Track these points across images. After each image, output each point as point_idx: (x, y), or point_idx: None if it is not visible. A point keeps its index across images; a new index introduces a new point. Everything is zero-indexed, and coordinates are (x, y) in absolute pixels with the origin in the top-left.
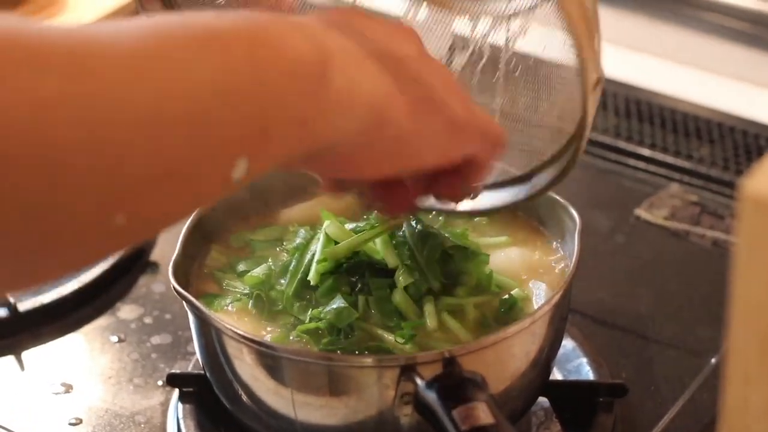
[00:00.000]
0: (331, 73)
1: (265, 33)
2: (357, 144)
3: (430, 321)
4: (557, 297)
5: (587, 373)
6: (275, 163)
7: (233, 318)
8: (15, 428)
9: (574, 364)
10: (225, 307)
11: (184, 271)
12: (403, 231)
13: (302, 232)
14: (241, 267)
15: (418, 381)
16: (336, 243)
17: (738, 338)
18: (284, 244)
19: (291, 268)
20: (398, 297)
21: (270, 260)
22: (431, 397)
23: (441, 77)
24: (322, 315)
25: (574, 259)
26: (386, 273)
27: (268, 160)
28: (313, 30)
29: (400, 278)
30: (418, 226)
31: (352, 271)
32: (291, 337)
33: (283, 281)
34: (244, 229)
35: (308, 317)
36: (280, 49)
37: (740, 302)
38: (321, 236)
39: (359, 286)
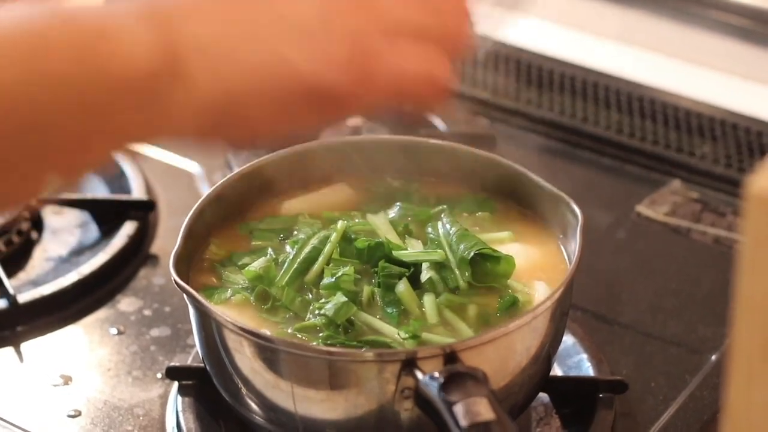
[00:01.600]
0: (175, 79)
1: (97, 36)
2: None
3: (431, 316)
4: (559, 292)
5: (587, 369)
6: (107, 154)
7: (234, 311)
8: (14, 420)
9: (575, 360)
10: (226, 300)
11: (185, 263)
12: (437, 230)
13: (306, 227)
14: (242, 260)
15: (419, 375)
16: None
17: (742, 336)
18: (290, 234)
19: (288, 260)
20: (402, 288)
21: (271, 252)
22: (432, 391)
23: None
24: (322, 311)
25: (576, 255)
26: (401, 264)
27: (93, 159)
28: (167, 20)
29: (425, 271)
30: (453, 228)
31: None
32: (289, 330)
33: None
34: (244, 221)
35: (308, 313)
36: (111, 59)
37: (744, 300)
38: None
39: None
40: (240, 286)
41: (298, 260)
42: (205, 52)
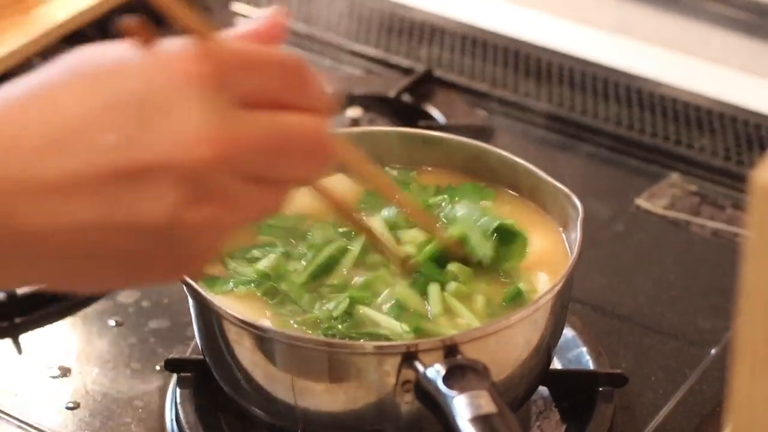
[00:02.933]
0: None
1: None
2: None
3: (434, 306)
4: (560, 285)
5: (587, 362)
6: None
7: (237, 302)
8: (12, 412)
9: (574, 353)
10: (229, 291)
11: None
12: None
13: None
14: (251, 252)
15: (420, 368)
16: None
17: (745, 330)
18: (298, 232)
19: (305, 264)
20: (399, 289)
21: (280, 247)
22: (433, 384)
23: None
24: (325, 306)
25: (576, 248)
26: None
27: None
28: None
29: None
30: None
31: None
32: (292, 322)
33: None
34: None
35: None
36: None
37: (749, 294)
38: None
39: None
40: (247, 279)
41: (316, 264)
42: (34, 236)
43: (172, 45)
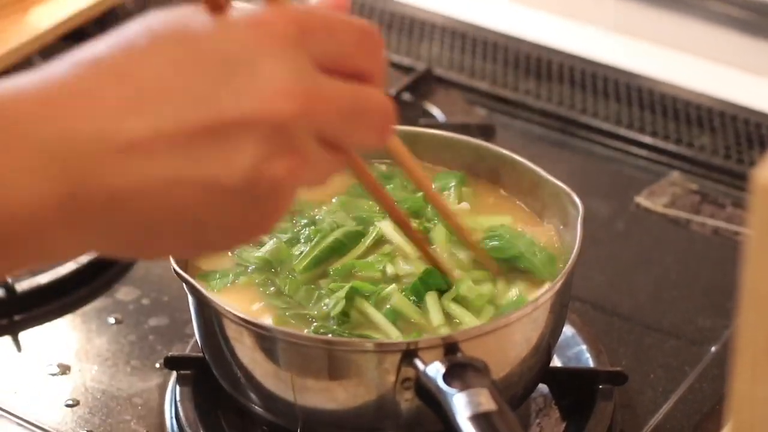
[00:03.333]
0: (71, 230)
1: None
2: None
3: (435, 317)
4: (559, 283)
5: (587, 360)
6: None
7: (235, 292)
8: (11, 409)
9: (574, 351)
10: (226, 284)
11: None
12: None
13: (329, 216)
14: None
15: (420, 366)
16: None
17: (746, 329)
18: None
19: (309, 247)
20: (396, 300)
21: (281, 235)
22: (433, 382)
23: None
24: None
25: (576, 246)
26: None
27: None
28: (73, 167)
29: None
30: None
31: None
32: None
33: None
34: None
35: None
36: None
37: (750, 293)
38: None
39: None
40: (249, 266)
41: (319, 249)
42: (111, 198)
43: (246, 9)
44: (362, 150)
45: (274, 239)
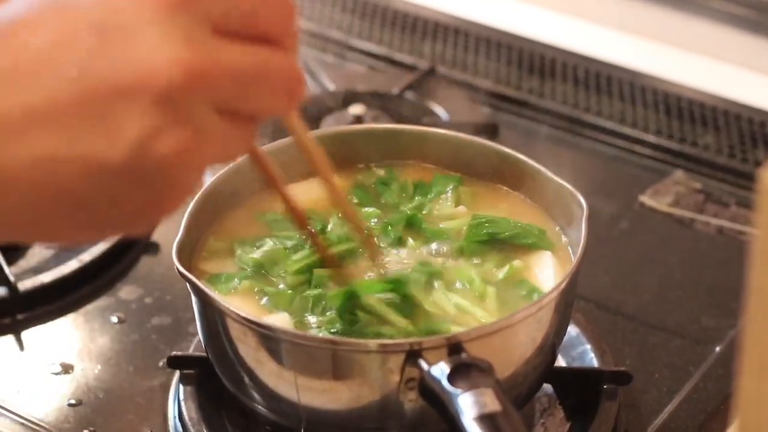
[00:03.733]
0: None
1: None
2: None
3: (448, 307)
4: (564, 283)
5: (591, 360)
6: None
7: (237, 298)
8: (14, 409)
9: (578, 350)
10: (230, 290)
11: (187, 252)
12: None
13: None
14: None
15: (424, 366)
16: None
17: (753, 329)
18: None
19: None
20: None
21: (274, 241)
22: (437, 382)
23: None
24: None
25: (581, 246)
26: None
27: None
28: None
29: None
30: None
31: None
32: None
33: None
34: (245, 208)
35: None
36: None
37: (756, 292)
38: None
39: None
40: (248, 269)
41: (315, 258)
42: None
43: None
44: (267, 119)
45: (272, 242)
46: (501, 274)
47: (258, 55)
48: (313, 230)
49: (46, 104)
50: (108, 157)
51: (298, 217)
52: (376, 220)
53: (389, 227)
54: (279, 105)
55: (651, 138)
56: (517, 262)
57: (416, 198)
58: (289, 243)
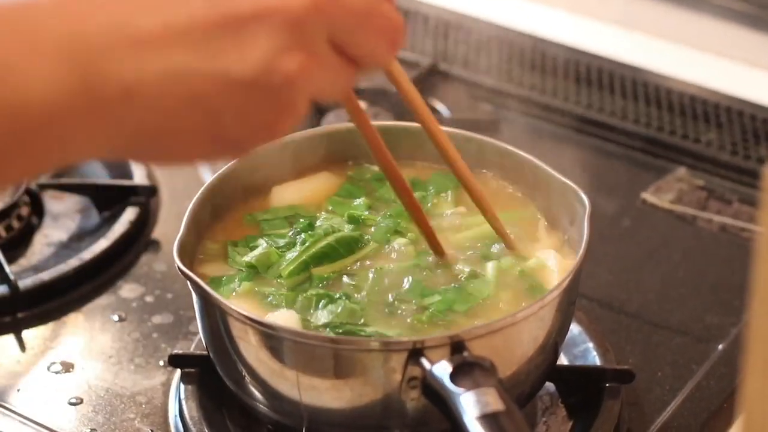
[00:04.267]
0: (89, 116)
1: (2, 67)
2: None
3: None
4: (567, 281)
5: (593, 358)
6: (19, 177)
7: (238, 300)
8: (15, 407)
9: (581, 349)
10: (232, 292)
11: (188, 250)
12: None
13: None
14: (254, 242)
15: (426, 365)
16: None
17: (758, 328)
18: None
19: (299, 250)
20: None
21: (266, 242)
22: (439, 381)
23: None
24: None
25: (583, 243)
26: None
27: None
28: (87, 55)
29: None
30: None
31: None
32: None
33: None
34: (247, 207)
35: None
36: (15, 92)
37: (761, 291)
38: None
39: None
40: (243, 270)
41: (308, 254)
42: (126, 90)
43: None
44: (371, 63)
45: (264, 242)
46: (517, 270)
47: (372, 2)
48: (416, 204)
49: (186, 23)
50: (239, 71)
51: (399, 185)
52: (367, 211)
53: (388, 215)
54: (382, 48)
55: (653, 134)
56: (533, 261)
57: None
58: (281, 242)
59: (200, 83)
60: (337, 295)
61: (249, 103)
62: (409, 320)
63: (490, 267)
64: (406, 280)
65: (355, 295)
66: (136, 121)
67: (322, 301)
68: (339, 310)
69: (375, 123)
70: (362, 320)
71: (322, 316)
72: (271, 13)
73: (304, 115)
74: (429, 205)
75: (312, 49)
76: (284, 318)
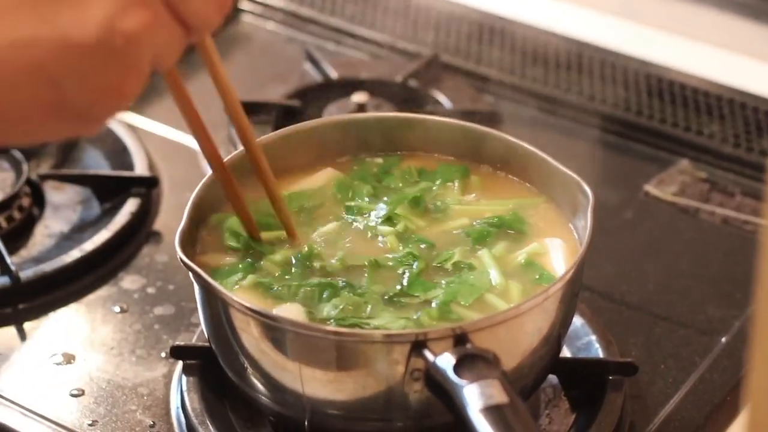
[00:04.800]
0: None
1: None
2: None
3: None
4: (570, 273)
5: (596, 350)
6: None
7: (241, 293)
8: (16, 399)
9: (583, 341)
10: (234, 284)
11: (189, 241)
12: None
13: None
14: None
15: (430, 357)
16: None
17: (763, 320)
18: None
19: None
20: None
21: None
22: (443, 373)
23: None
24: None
25: (587, 235)
26: None
27: None
28: None
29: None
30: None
31: None
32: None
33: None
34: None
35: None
36: None
37: (766, 284)
38: None
39: None
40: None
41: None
42: None
43: None
44: (200, 26)
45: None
46: (519, 258)
47: None
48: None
49: None
50: (80, 35)
51: (213, 157)
52: (367, 198)
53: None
54: (209, 9)
55: (656, 126)
56: (534, 245)
57: (421, 184)
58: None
59: (40, 51)
60: (341, 284)
61: (91, 67)
62: (415, 317)
63: (484, 256)
64: (403, 272)
65: (358, 286)
66: None
67: (326, 292)
68: (343, 305)
69: (378, 114)
70: (369, 310)
71: (326, 309)
72: None
73: (147, 76)
74: (447, 199)
75: (150, 7)
76: (290, 311)
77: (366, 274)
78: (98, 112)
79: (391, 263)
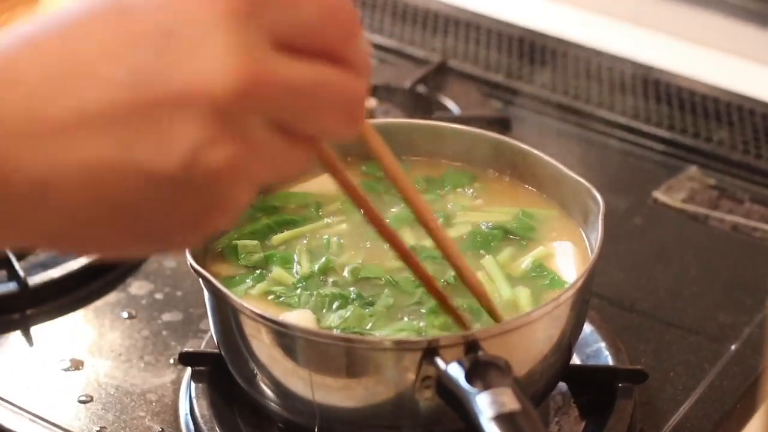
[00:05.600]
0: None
1: None
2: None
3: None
4: (582, 280)
5: (606, 358)
6: None
7: (252, 301)
8: (24, 405)
9: (593, 348)
10: (244, 292)
11: (201, 248)
12: None
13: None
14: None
15: (441, 364)
16: None
17: None
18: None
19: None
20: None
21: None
22: (454, 381)
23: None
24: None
25: (598, 243)
26: None
27: None
28: None
29: None
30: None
31: None
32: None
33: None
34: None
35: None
36: None
37: None
38: None
39: None
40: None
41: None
42: (34, 196)
43: None
44: (330, 140)
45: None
46: (525, 263)
47: (319, 74)
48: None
49: (99, 109)
50: (158, 166)
51: (405, 256)
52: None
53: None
54: (337, 126)
55: (664, 133)
56: (540, 249)
57: (429, 191)
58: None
59: (113, 177)
60: (352, 296)
61: (170, 200)
62: (421, 324)
63: (488, 263)
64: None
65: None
66: (46, 216)
67: (336, 302)
68: (348, 315)
69: (387, 120)
70: (369, 326)
71: (332, 318)
72: (194, 99)
73: (244, 206)
74: (449, 205)
75: (246, 138)
76: (300, 317)
77: (384, 291)
78: (181, 243)
79: (405, 284)
